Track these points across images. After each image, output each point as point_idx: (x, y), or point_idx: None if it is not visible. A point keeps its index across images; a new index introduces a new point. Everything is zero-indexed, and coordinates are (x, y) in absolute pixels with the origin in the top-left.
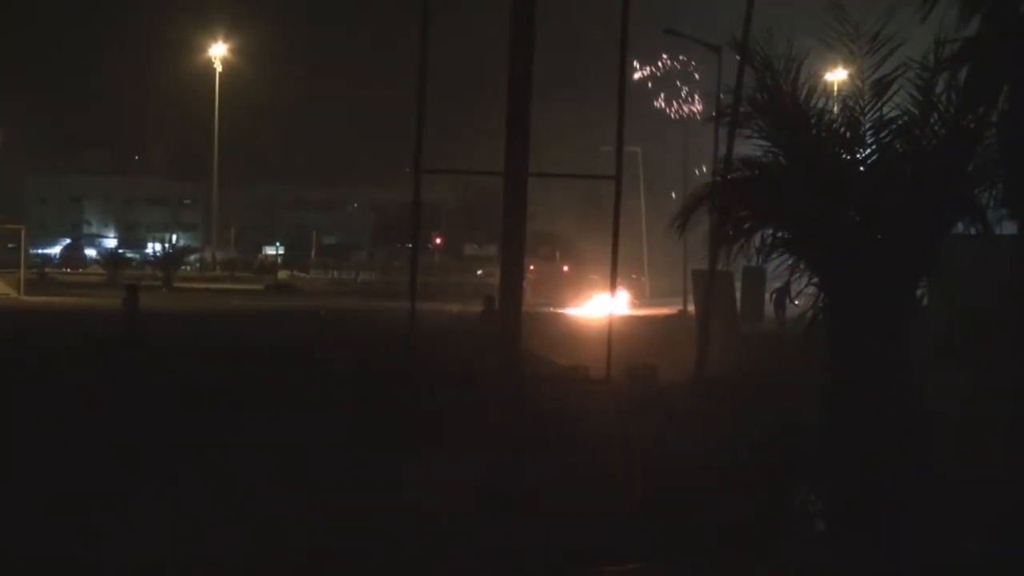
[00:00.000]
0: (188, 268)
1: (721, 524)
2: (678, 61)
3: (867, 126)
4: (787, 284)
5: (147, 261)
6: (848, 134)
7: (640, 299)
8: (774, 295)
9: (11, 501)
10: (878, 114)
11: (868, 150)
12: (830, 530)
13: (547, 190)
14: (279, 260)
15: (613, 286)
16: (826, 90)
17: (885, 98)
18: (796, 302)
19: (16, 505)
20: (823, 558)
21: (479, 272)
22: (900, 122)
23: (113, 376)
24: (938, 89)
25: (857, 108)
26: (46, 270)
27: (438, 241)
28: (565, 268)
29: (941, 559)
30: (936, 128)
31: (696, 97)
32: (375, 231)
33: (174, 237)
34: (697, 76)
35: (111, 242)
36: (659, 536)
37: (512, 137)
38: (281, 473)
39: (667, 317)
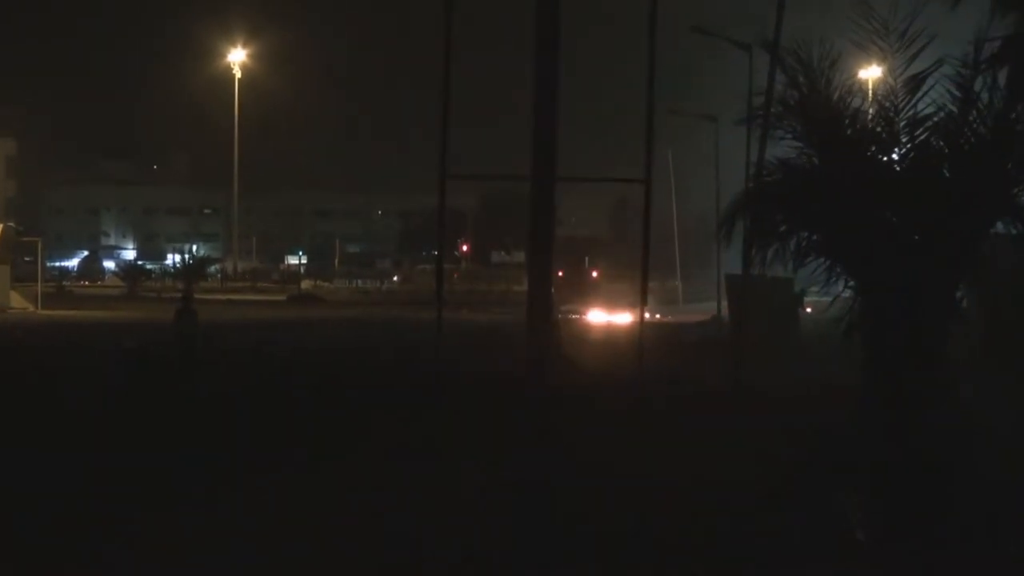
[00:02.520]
0: (209, 279)
1: (760, 535)
2: None
3: (902, 124)
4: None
5: (167, 273)
6: (883, 133)
7: (665, 306)
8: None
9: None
10: (912, 111)
11: (904, 149)
12: (872, 539)
13: (576, 194)
14: (302, 269)
15: (644, 292)
16: (860, 89)
17: (919, 95)
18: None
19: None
20: (865, 569)
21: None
22: (936, 119)
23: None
24: (975, 86)
25: (891, 106)
26: (64, 283)
27: (464, 248)
28: (594, 273)
29: (987, 567)
30: (975, 126)
31: None
32: (400, 239)
33: (195, 248)
34: None
35: (130, 253)
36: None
37: (538, 140)
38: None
39: (699, 324)
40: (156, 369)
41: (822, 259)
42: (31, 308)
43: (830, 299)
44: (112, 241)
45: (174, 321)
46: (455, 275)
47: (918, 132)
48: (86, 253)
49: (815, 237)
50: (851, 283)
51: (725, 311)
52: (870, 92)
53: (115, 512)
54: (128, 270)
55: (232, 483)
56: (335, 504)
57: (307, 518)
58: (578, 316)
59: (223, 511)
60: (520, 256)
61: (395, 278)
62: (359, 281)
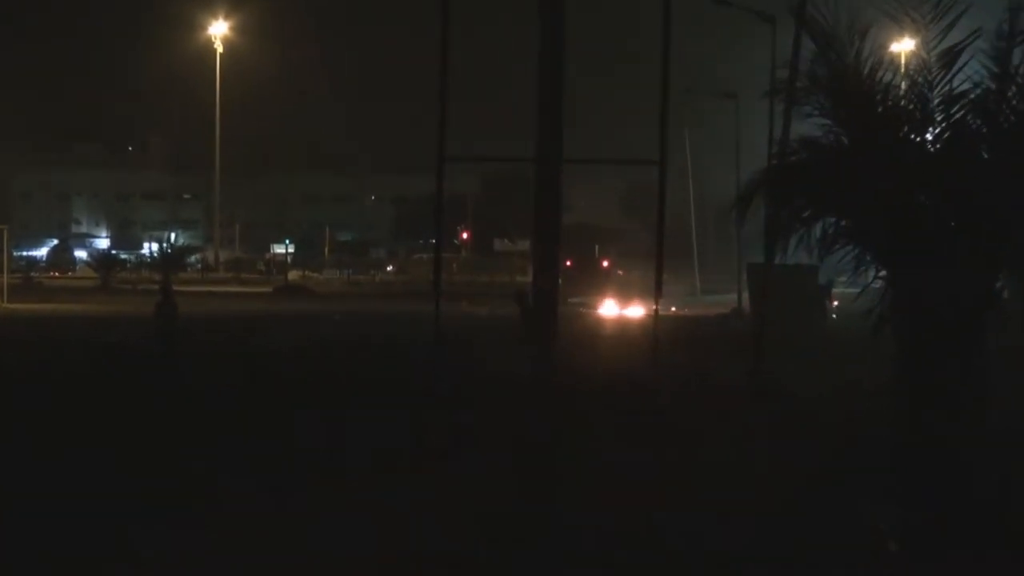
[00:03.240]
0: (189, 270)
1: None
2: None
3: (936, 101)
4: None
5: (143, 263)
6: (916, 111)
7: (682, 298)
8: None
9: None
10: (948, 87)
11: (938, 128)
12: (905, 550)
13: (585, 178)
14: (289, 259)
15: (659, 281)
16: (892, 63)
17: (954, 70)
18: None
19: None
20: None
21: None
22: (973, 96)
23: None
24: (1015, 60)
25: (924, 82)
26: (32, 274)
27: (464, 236)
28: (605, 263)
29: None
30: (1014, 103)
31: None
32: (394, 226)
33: (173, 236)
34: None
35: (103, 242)
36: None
37: (544, 119)
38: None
39: (718, 317)
40: (132, 366)
41: (850, 246)
42: None
43: (858, 290)
44: (84, 229)
45: (155, 315)
46: (454, 265)
47: (954, 109)
48: (56, 242)
49: (843, 222)
50: (882, 272)
51: (747, 303)
52: (902, 66)
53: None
54: (101, 260)
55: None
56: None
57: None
58: (588, 309)
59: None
60: (525, 244)
61: (389, 268)
62: (350, 272)
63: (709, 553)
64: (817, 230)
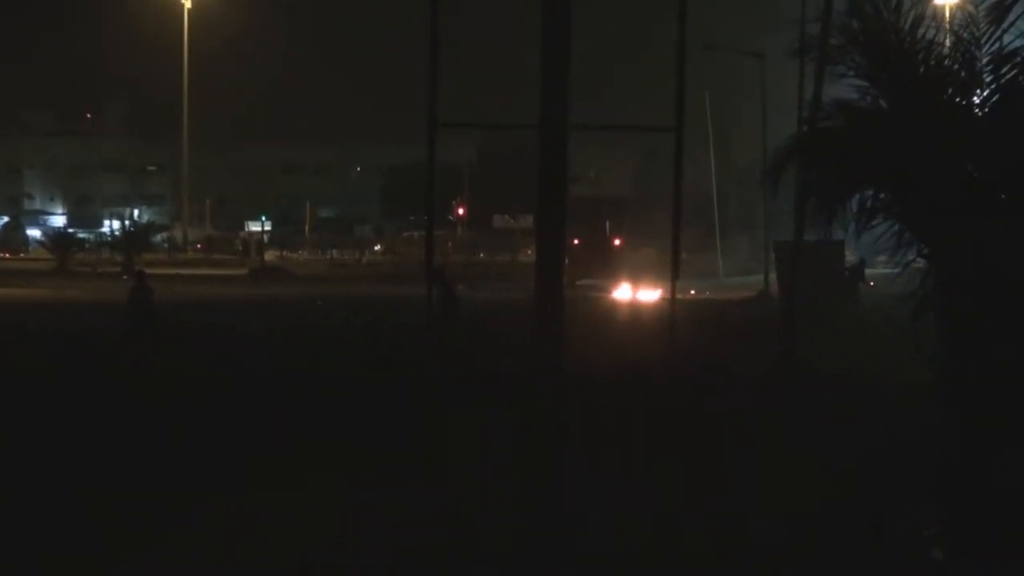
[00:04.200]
0: (155, 250)
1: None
2: None
3: (984, 61)
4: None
5: (104, 243)
6: (962, 71)
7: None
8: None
9: None
10: (997, 45)
11: (987, 90)
12: (951, 560)
13: (595, 147)
14: (266, 238)
15: (676, 261)
16: (935, 17)
17: (1005, 25)
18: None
19: None
20: None
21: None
22: None
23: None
24: None
25: (971, 39)
26: None
27: (460, 212)
28: (617, 241)
29: None
30: None
31: None
32: (381, 201)
33: (136, 212)
34: None
35: (59, 220)
36: None
37: (548, 80)
38: None
39: (743, 301)
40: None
41: (890, 221)
42: None
43: (897, 270)
44: (37, 205)
45: (128, 301)
46: (449, 244)
47: (1004, 69)
48: (6, 219)
49: (882, 195)
50: (924, 250)
51: (774, 285)
52: (947, 21)
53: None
54: (57, 240)
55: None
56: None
57: None
58: (600, 293)
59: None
60: (527, 221)
61: (376, 247)
62: (334, 251)
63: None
64: (854, 203)
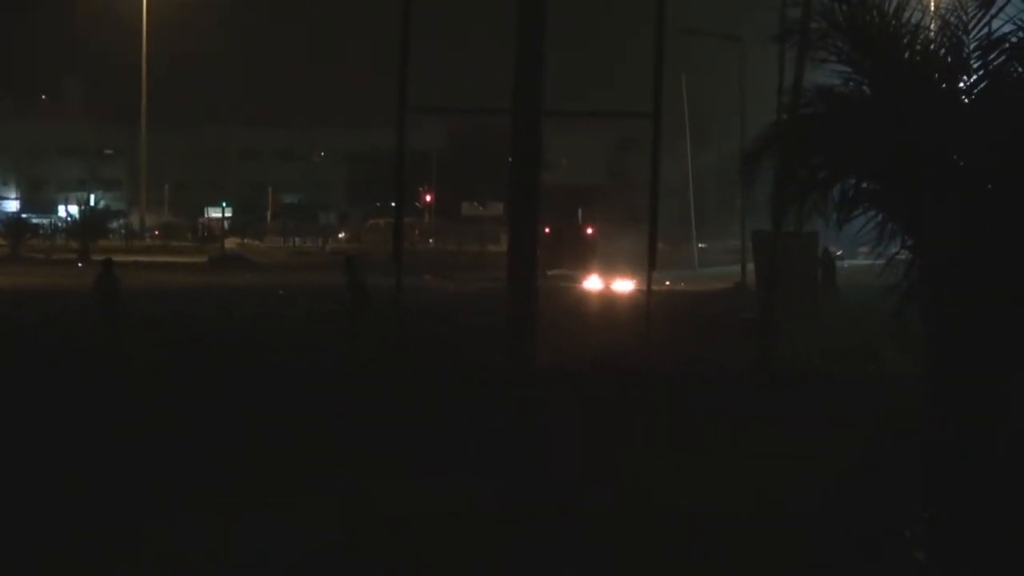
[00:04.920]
0: (111, 236)
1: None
2: None
3: (972, 46)
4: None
5: (59, 229)
6: (948, 56)
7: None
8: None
9: None
10: (985, 30)
11: (974, 76)
12: (934, 560)
13: (568, 134)
14: (226, 225)
15: (652, 250)
16: (921, 1)
17: (993, 10)
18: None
19: None
20: None
21: None
22: (1014, 40)
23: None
24: None
25: (958, 23)
26: None
27: (428, 199)
28: (589, 231)
29: None
30: None
31: None
32: (347, 187)
33: (92, 197)
34: None
35: (12, 205)
36: None
37: (521, 64)
38: None
39: (720, 294)
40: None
41: (873, 211)
42: None
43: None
44: None
45: (93, 289)
46: (416, 232)
47: (992, 56)
48: None
49: (864, 184)
50: (909, 241)
51: (751, 277)
52: (933, 5)
53: None
54: (10, 226)
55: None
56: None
57: None
58: (571, 283)
59: None
60: (497, 208)
61: (341, 235)
62: (297, 239)
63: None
64: (835, 193)
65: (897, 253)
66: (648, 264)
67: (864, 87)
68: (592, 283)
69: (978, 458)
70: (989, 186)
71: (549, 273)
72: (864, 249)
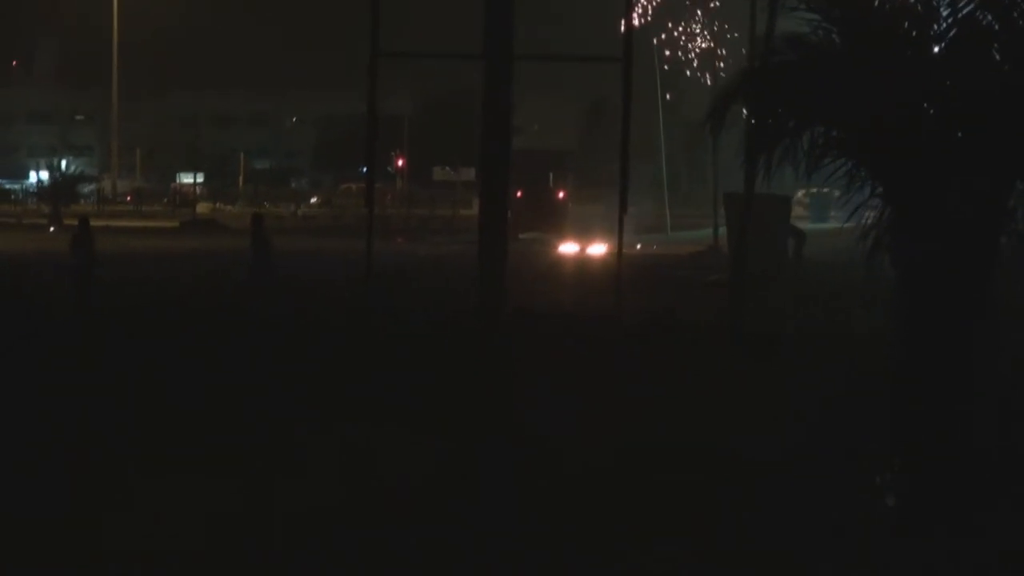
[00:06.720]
0: (82, 201)
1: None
2: None
3: None
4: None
5: (30, 193)
6: (918, 4)
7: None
8: None
9: None
10: None
11: (943, 24)
12: (903, 517)
13: (540, 96)
14: (198, 190)
15: (623, 204)
16: None
17: None
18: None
19: None
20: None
21: None
22: None
23: None
24: None
25: None
26: None
27: (400, 163)
28: (561, 194)
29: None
30: None
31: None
32: (318, 152)
33: (64, 163)
34: None
35: None
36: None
37: (491, 5)
38: None
39: (694, 256)
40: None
41: (842, 159)
42: None
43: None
44: None
45: (69, 252)
46: (388, 196)
47: (961, 3)
48: None
49: (833, 132)
50: (878, 189)
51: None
52: None
53: None
54: None
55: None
56: None
57: None
58: (545, 247)
59: None
60: (468, 174)
61: (313, 200)
62: (268, 204)
63: (691, 516)
64: (805, 141)
65: (866, 200)
66: (619, 213)
67: (833, 35)
68: (567, 247)
69: (946, 403)
70: (958, 134)
71: (521, 236)
72: (834, 213)
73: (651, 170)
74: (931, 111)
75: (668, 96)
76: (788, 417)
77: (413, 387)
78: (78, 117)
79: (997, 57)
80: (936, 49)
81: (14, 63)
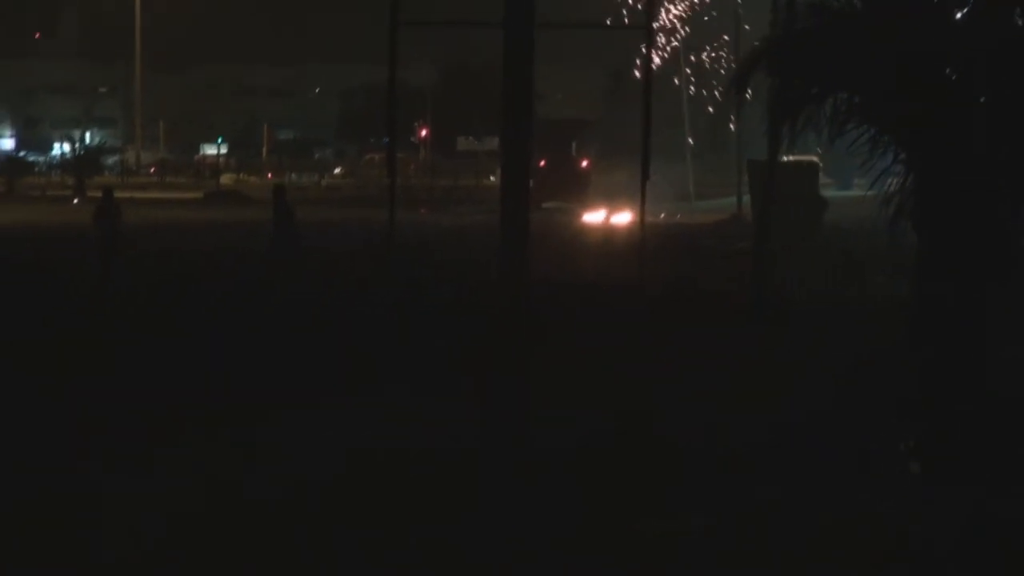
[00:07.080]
0: (106, 173)
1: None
2: None
3: None
4: None
5: (54, 166)
6: None
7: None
8: None
9: None
10: None
11: None
12: (928, 473)
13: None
14: (222, 161)
15: (645, 172)
16: None
17: None
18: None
19: None
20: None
21: None
22: None
23: None
24: None
25: None
26: None
27: (423, 134)
28: (584, 163)
29: None
30: None
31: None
32: (341, 123)
33: (88, 135)
34: None
35: (7, 143)
36: None
37: None
38: None
39: (718, 224)
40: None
41: (864, 126)
42: None
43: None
44: None
45: (93, 224)
46: (411, 166)
47: None
48: None
49: (855, 99)
50: (901, 156)
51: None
52: None
53: None
54: (6, 164)
55: None
56: None
57: None
58: (568, 216)
59: None
60: (492, 143)
61: (337, 171)
62: (293, 175)
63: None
64: (827, 108)
65: (890, 166)
66: (641, 186)
67: (855, 1)
68: (591, 216)
69: (968, 372)
70: (981, 99)
71: (544, 205)
72: (859, 181)
73: (676, 137)
74: (953, 76)
75: (692, 59)
76: (813, 387)
77: (433, 359)
78: (101, 89)
79: (1020, 22)
80: (958, 15)
81: (36, 35)
